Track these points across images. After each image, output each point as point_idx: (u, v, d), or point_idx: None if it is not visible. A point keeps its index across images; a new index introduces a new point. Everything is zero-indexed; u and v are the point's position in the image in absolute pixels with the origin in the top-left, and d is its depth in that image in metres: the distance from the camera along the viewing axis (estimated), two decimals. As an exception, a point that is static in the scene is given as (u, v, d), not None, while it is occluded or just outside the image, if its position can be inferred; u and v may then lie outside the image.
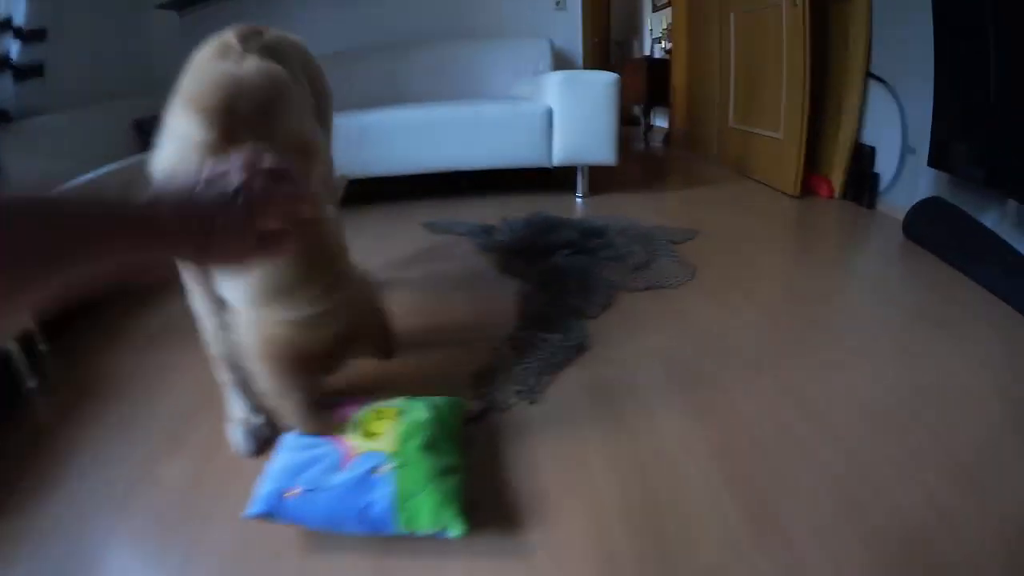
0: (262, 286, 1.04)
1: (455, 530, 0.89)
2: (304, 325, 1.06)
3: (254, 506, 0.97)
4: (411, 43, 3.80)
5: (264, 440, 1.17)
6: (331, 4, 3.89)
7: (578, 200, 2.94)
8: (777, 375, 1.26)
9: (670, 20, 5.14)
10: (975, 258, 1.74)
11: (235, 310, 1.10)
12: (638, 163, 4.25)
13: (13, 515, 1.06)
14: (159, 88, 4.02)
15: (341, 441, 1.04)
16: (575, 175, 2.99)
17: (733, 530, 0.88)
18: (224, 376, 1.20)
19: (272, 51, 1.27)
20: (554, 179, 3.22)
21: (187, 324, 1.25)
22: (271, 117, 1.06)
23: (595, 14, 5.79)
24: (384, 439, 1.02)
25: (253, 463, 1.11)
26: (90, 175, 2.16)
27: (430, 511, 0.90)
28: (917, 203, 2.15)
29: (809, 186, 2.84)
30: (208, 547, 0.97)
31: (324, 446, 1.04)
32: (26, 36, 2.52)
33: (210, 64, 1.16)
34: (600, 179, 3.12)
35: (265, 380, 1.07)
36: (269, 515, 0.96)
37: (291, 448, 1.06)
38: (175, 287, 1.21)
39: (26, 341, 1.60)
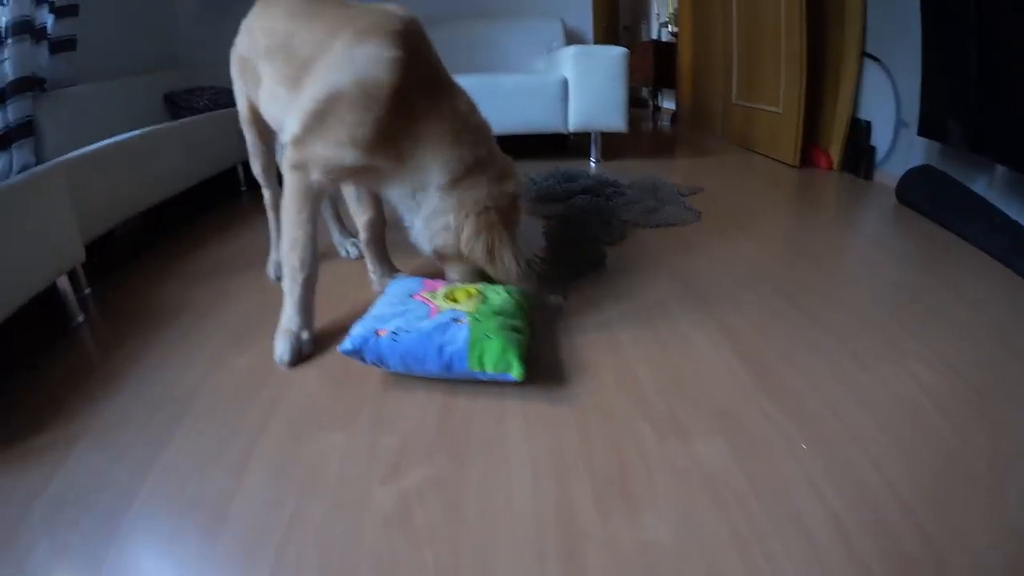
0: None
1: (515, 373, 1.03)
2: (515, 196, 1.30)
3: (348, 343, 1.09)
4: (433, 20, 3.83)
5: (305, 355, 1.22)
6: (356, -21, 3.87)
7: (592, 164, 3.11)
8: (773, 283, 1.45)
9: (676, 5, 5.24)
10: (962, 218, 1.85)
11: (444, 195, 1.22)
12: (647, 139, 4.37)
13: (74, 416, 1.09)
14: (183, 65, 3.98)
15: (429, 301, 1.17)
16: (589, 142, 3.12)
17: (741, 382, 1.05)
18: (289, 285, 1.24)
19: None
20: (569, 147, 3.37)
21: (226, 264, 1.51)
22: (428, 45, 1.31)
23: (604, -2, 5.91)
24: (464, 304, 1.16)
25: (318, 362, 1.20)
26: (122, 136, 2.25)
27: (496, 354, 1.03)
28: (909, 170, 2.26)
29: (809, 158, 2.95)
30: (287, 405, 1.07)
31: (414, 303, 1.16)
32: (59, 11, 2.54)
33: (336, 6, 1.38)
34: (612, 147, 3.27)
35: (501, 248, 1.21)
36: (358, 352, 1.08)
37: (385, 303, 1.19)
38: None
39: (73, 279, 1.58)
